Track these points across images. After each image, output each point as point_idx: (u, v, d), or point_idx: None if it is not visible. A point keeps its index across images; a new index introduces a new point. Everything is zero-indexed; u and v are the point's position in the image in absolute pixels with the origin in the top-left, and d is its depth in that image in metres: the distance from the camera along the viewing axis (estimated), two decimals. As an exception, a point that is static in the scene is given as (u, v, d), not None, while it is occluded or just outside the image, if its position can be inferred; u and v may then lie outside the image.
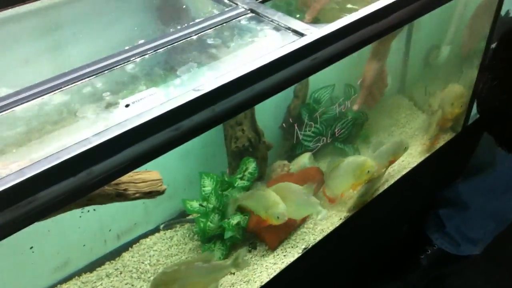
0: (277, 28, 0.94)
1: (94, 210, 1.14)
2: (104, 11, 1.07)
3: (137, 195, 1.02)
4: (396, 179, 1.62)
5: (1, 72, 0.86)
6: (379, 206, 1.59)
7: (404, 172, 1.64)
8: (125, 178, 0.99)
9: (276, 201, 1.27)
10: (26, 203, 0.60)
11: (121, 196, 1.00)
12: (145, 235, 1.38)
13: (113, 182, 0.96)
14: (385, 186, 1.58)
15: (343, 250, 1.60)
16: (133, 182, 1.02)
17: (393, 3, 1.00)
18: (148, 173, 1.06)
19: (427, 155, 1.70)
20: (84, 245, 1.13)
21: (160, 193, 1.06)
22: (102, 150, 0.66)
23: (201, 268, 1.14)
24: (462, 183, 1.77)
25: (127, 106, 0.73)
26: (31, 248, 1.09)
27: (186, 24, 0.95)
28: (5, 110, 0.72)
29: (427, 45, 1.52)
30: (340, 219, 1.49)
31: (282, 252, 1.39)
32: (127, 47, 0.87)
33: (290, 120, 1.39)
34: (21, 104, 0.73)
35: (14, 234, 0.81)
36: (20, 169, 0.60)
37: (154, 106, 0.71)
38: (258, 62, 0.79)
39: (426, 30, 1.61)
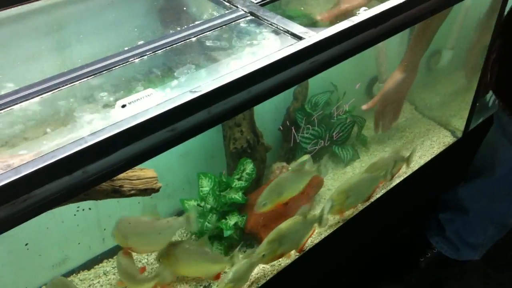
0: (276, 31, 0.95)
1: (90, 209, 1.15)
2: (107, 11, 1.08)
3: (132, 192, 1.03)
4: (396, 182, 1.62)
5: (4, 69, 0.87)
6: (378, 209, 1.59)
7: (405, 176, 1.64)
8: (121, 175, 0.99)
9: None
10: (21, 201, 0.61)
11: (117, 192, 1.01)
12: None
13: (109, 178, 0.97)
14: (386, 189, 1.58)
15: (341, 253, 1.61)
16: (129, 179, 1.03)
17: (391, 8, 1.00)
18: (143, 171, 1.07)
19: (428, 159, 1.70)
20: (79, 243, 1.14)
21: (155, 190, 1.07)
22: (97, 150, 0.66)
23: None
24: (462, 187, 1.76)
25: (123, 106, 0.73)
26: (26, 245, 1.10)
27: (185, 26, 0.96)
28: (4, 108, 0.73)
29: (429, 50, 1.52)
30: (339, 222, 1.50)
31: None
32: (126, 48, 0.88)
33: (287, 123, 1.39)
34: (20, 102, 0.74)
35: (12, 231, 0.82)
36: (16, 167, 0.61)
37: (150, 107, 0.72)
38: (255, 64, 0.80)
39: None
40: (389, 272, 1.84)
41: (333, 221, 1.49)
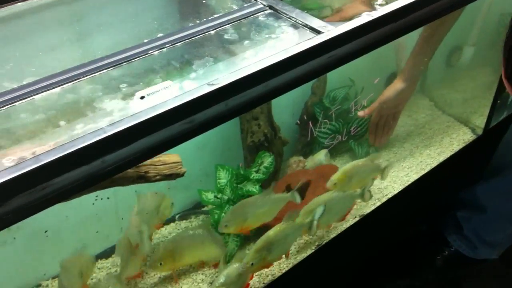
0: (295, 25, 0.95)
1: (108, 198, 1.17)
2: (127, 3, 1.09)
3: (157, 177, 1.04)
4: (415, 178, 1.61)
5: (25, 60, 0.89)
6: (396, 205, 1.58)
7: (423, 172, 1.63)
8: (146, 161, 1.01)
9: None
10: (40, 189, 0.62)
11: (142, 178, 1.02)
12: (160, 225, 1.40)
13: (134, 165, 0.98)
14: (404, 185, 1.58)
15: (357, 248, 1.60)
16: (154, 165, 1.03)
17: (412, 3, 1.00)
18: (168, 156, 1.07)
19: (447, 156, 1.68)
20: (97, 232, 1.16)
21: (179, 175, 1.08)
22: (116, 140, 0.68)
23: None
24: (480, 185, 1.75)
25: (142, 98, 0.74)
26: (46, 232, 1.12)
27: (204, 19, 0.97)
28: (25, 98, 0.75)
29: (449, 46, 1.50)
30: (355, 217, 1.49)
31: (295, 248, 1.40)
32: (145, 40, 0.89)
33: (305, 117, 1.39)
34: (41, 92, 0.76)
35: (33, 219, 0.84)
36: (36, 156, 0.62)
37: (168, 98, 0.73)
38: (272, 58, 0.80)
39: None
40: (405, 269, 1.83)
41: (349, 216, 1.49)
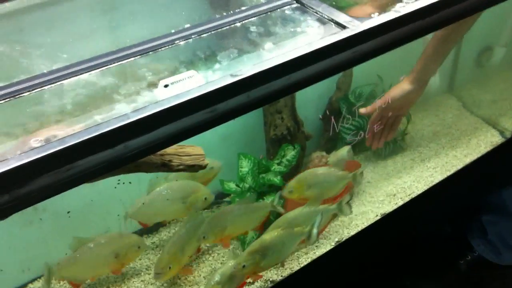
0: (321, 20, 0.95)
1: (130, 183, 1.19)
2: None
3: (180, 167, 1.06)
4: (439, 179, 1.59)
5: (56, 46, 0.91)
6: (419, 206, 1.57)
7: (448, 174, 1.61)
8: (170, 150, 1.03)
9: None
10: (65, 170, 0.65)
11: (166, 166, 1.04)
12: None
13: (159, 153, 1.01)
14: (428, 185, 1.56)
15: (378, 246, 1.60)
16: (178, 155, 1.06)
17: (440, 1, 0.99)
18: (192, 148, 1.09)
19: (474, 158, 1.66)
20: (118, 215, 1.19)
21: (201, 167, 1.09)
22: (139, 126, 0.69)
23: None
24: (507, 190, 1.72)
25: (166, 86, 0.76)
26: (68, 212, 1.16)
27: (231, 11, 0.98)
28: (54, 83, 0.77)
29: (480, 46, 1.47)
30: (376, 215, 1.49)
31: (315, 243, 1.41)
32: (173, 30, 0.91)
33: (327, 112, 1.39)
34: (69, 78, 0.78)
35: (59, 201, 0.87)
36: (62, 138, 0.64)
37: (192, 88, 0.74)
38: (295, 52, 0.81)
39: (479, 30, 1.56)
40: (427, 271, 1.82)
41: (371, 214, 1.48)
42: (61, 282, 1.28)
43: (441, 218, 1.84)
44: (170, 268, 1.20)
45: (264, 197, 1.35)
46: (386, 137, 1.49)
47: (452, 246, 1.85)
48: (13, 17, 1.02)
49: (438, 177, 1.60)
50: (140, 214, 1.24)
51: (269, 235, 1.19)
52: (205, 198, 1.28)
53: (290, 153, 1.35)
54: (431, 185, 1.58)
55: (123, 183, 1.18)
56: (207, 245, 1.37)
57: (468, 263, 1.81)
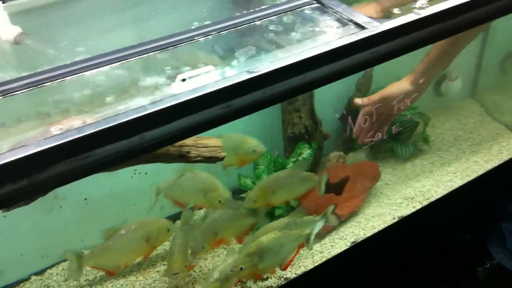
0: (340, 20, 0.96)
1: (146, 173, 1.21)
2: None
3: (198, 158, 1.07)
4: (459, 184, 1.58)
5: (80, 39, 0.94)
6: (439, 210, 1.56)
7: (468, 179, 1.60)
8: (188, 141, 1.05)
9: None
10: (82, 158, 0.67)
11: (183, 157, 1.05)
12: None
13: (177, 144, 1.02)
14: (448, 190, 1.55)
15: (394, 249, 1.59)
16: (196, 146, 1.07)
17: (463, 3, 0.98)
18: (210, 139, 1.10)
19: (495, 165, 1.64)
20: (134, 204, 1.21)
21: (219, 159, 1.10)
22: (155, 118, 0.71)
23: None
24: (528, 197, 1.69)
25: (183, 80, 0.78)
26: (85, 199, 1.19)
27: (252, 10, 0.99)
28: (75, 74, 0.80)
29: (503, 52, 1.45)
30: (393, 218, 1.48)
31: (330, 242, 1.41)
32: (193, 27, 0.93)
33: (344, 112, 1.38)
34: (90, 69, 0.81)
35: (79, 189, 0.89)
36: (80, 127, 0.67)
37: (208, 82, 0.76)
38: (312, 51, 0.82)
39: (503, 36, 1.55)
40: (444, 277, 1.80)
41: (388, 216, 1.48)
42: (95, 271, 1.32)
43: (459, 224, 1.82)
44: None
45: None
46: (373, 135, 1.43)
47: (470, 253, 1.83)
48: (40, 11, 1.05)
49: (458, 182, 1.59)
50: (171, 192, 1.27)
51: (266, 238, 1.17)
52: (220, 201, 1.28)
53: (306, 152, 1.36)
54: (450, 190, 1.56)
55: (139, 173, 1.21)
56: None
57: (486, 271, 1.79)
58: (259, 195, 1.26)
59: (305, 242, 1.25)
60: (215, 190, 1.27)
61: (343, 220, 1.45)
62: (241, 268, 1.14)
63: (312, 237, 1.25)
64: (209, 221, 1.27)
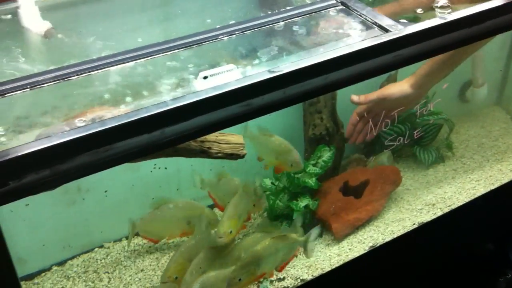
0: (364, 22, 0.96)
1: (166, 168, 1.23)
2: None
3: (219, 154, 1.08)
4: (482, 192, 1.55)
5: (107, 35, 0.97)
6: (459, 217, 1.54)
7: (492, 188, 1.57)
8: (210, 137, 1.06)
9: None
10: (103, 150, 0.69)
11: (205, 153, 1.06)
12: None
13: (199, 139, 1.04)
14: (470, 198, 1.53)
15: (413, 256, 1.58)
16: (218, 142, 1.08)
17: (490, 9, 0.97)
18: (232, 136, 1.11)
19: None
20: (153, 198, 1.23)
21: (240, 156, 1.11)
22: (176, 114, 0.73)
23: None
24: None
25: (205, 78, 0.79)
26: (106, 191, 1.21)
27: (277, 10, 1.00)
28: (101, 69, 0.82)
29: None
30: (414, 224, 1.47)
31: (348, 246, 1.40)
32: (218, 26, 0.94)
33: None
34: (116, 65, 0.83)
35: (101, 182, 0.90)
36: (103, 120, 0.68)
37: (229, 81, 0.77)
38: (333, 52, 0.82)
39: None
40: (463, 285, 1.78)
41: (408, 222, 1.46)
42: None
43: (482, 233, 1.79)
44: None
45: (298, 199, 1.36)
46: (365, 135, 1.39)
47: (492, 263, 1.80)
48: (71, 7, 1.08)
49: (481, 190, 1.56)
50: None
51: (260, 246, 1.15)
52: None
53: (326, 154, 1.35)
54: (473, 197, 1.54)
55: (159, 168, 1.23)
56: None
57: (508, 281, 1.76)
58: (233, 225, 1.20)
59: (303, 249, 1.24)
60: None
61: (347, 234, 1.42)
62: (240, 280, 1.13)
63: (309, 245, 1.23)
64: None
